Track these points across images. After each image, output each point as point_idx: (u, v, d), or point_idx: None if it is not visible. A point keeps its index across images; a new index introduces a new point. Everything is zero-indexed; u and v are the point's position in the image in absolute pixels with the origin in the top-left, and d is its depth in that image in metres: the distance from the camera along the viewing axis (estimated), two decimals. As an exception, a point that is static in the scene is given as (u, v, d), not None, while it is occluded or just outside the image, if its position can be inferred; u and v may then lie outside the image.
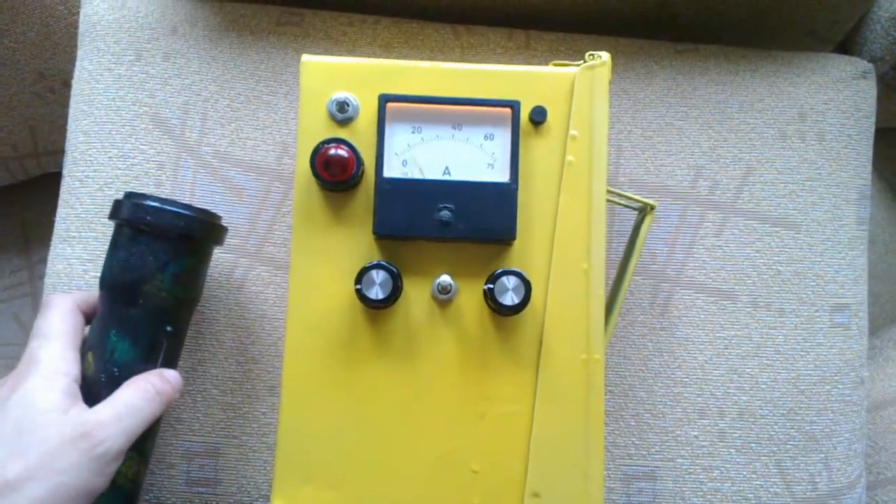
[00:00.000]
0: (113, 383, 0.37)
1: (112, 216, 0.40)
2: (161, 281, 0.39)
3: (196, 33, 0.51)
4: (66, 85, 0.52)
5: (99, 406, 0.35)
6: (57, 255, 0.48)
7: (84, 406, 0.35)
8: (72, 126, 0.50)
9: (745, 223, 0.50)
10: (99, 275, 0.40)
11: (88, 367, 0.38)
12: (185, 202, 0.40)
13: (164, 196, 0.42)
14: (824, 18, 0.58)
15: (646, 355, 0.48)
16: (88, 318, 0.40)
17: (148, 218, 0.38)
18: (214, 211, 0.42)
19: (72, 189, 0.49)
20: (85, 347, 0.39)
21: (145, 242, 0.39)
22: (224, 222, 0.43)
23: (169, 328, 0.40)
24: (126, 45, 0.50)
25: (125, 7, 0.51)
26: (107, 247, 0.40)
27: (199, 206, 0.41)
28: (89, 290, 0.47)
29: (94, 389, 0.37)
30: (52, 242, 0.49)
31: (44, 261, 0.72)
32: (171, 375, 0.39)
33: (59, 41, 0.65)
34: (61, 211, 0.49)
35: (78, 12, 0.52)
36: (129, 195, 0.40)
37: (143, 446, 0.39)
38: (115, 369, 0.38)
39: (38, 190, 0.78)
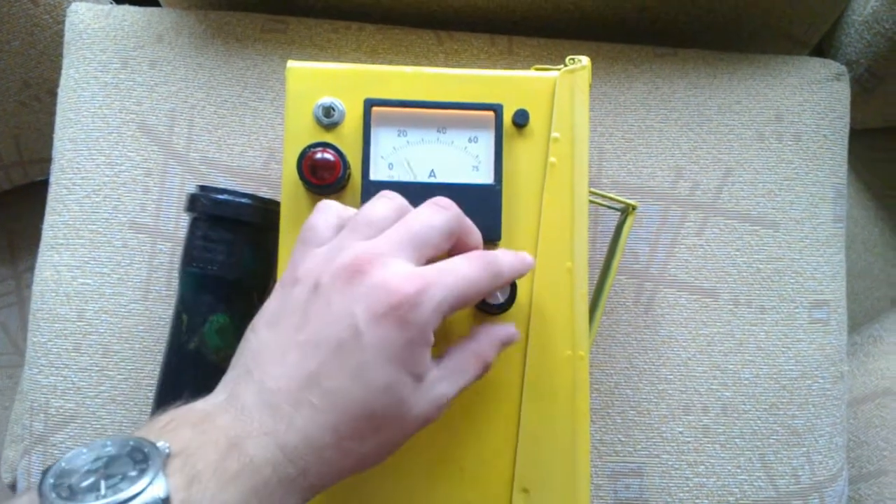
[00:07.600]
0: None
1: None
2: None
3: (182, 41, 0.51)
4: (52, 93, 0.52)
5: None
6: (45, 262, 0.48)
7: None
8: (59, 134, 0.50)
9: (725, 222, 0.51)
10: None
11: None
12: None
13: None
14: (800, 22, 0.59)
15: (630, 353, 0.49)
16: None
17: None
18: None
19: (59, 196, 0.49)
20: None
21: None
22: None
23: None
24: (112, 53, 0.51)
25: (110, 16, 0.52)
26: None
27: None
28: None
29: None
30: (39, 249, 0.49)
31: (31, 269, 0.71)
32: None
33: (44, 50, 0.65)
34: (49, 218, 0.49)
35: (63, 21, 0.52)
36: (204, 188, 0.42)
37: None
38: None
39: (24, 199, 0.78)
